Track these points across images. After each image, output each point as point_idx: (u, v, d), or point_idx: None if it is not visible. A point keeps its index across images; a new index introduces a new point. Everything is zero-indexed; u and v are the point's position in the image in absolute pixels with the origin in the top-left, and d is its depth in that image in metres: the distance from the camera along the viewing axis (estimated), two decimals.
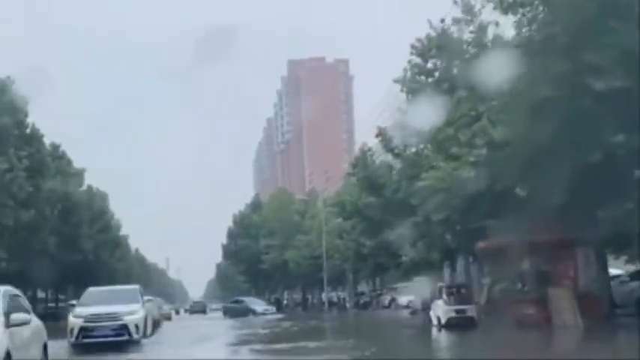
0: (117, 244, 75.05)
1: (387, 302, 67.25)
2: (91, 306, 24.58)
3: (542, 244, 26.13)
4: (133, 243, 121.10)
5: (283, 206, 78.86)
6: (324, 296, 69.26)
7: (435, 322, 30.86)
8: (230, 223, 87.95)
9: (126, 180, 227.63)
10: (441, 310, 29.87)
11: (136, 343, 24.06)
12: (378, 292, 73.17)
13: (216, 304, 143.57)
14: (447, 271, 42.95)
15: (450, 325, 29.30)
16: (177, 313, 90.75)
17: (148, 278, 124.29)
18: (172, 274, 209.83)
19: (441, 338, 27.90)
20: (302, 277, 72.54)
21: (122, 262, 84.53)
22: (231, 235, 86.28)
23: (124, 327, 23.96)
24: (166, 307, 65.64)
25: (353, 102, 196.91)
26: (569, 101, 18.37)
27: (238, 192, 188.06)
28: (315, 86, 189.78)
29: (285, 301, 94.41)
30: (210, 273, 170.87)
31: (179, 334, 34.69)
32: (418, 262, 38.65)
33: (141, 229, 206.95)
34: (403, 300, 66.37)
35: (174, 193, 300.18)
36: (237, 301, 64.08)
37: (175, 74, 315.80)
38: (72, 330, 24.01)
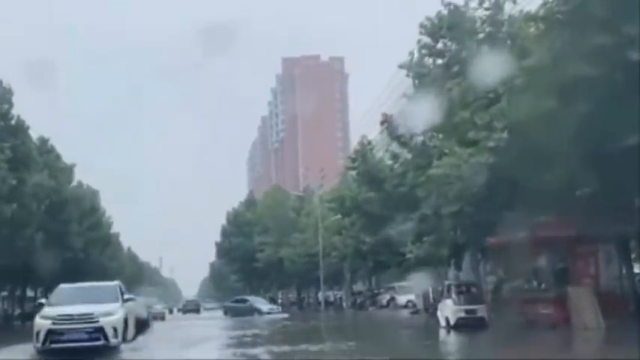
0: (108, 242, 72.79)
1: (385, 302, 65.41)
2: (62, 305, 20.93)
3: (561, 239, 24.15)
4: (126, 241, 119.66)
5: (278, 203, 76.70)
6: (320, 295, 67.20)
7: (442, 322, 28.83)
8: (224, 221, 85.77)
9: (120, 179, 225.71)
10: (449, 310, 27.84)
11: (114, 348, 20.68)
12: (375, 291, 71.27)
13: (211, 303, 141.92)
14: (451, 269, 40.80)
15: (459, 326, 27.29)
16: (171, 312, 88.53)
17: (140, 277, 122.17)
18: (166, 273, 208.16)
19: (451, 340, 25.87)
20: (297, 276, 70.43)
21: (114, 261, 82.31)
22: (225, 233, 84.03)
23: (100, 330, 20.21)
24: (159, 307, 63.32)
25: (348, 100, 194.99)
26: (604, 79, 16.32)
27: (232, 191, 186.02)
28: (310, 84, 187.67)
29: (279, 301, 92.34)
30: (204, 272, 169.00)
31: (168, 336, 32.02)
32: (424, 259, 36.61)
33: (135, 227, 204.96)
34: (402, 299, 64.54)
35: (168, 192, 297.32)
36: (240, 300, 61.53)
37: (172, 73, 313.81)
38: (38, 333, 20.40)
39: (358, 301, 66.84)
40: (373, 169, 42.45)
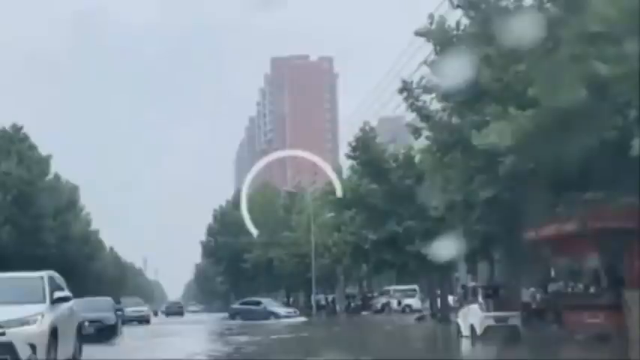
0: (85, 239, 67.70)
1: (379, 306, 61.04)
2: None
3: (619, 233, 19.63)
4: (109, 241, 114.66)
5: (267, 201, 71.91)
6: (312, 298, 62.44)
7: (464, 331, 24.22)
8: (210, 220, 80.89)
9: (106, 180, 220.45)
10: (476, 318, 23.21)
11: None
12: (369, 294, 66.77)
13: (195, 305, 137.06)
14: (462, 269, 36.31)
15: (487, 337, 22.70)
16: (156, 314, 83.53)
17: (123, 278, 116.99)
18: (151, 275, 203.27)
19: (481, 354, 21.35)
20: (287, 278, 65.59)
21: (93, 260, 77.26)
22: (211, 232, 79.05)
23: (8, 347, 12.19)
24: (144, 309, 57.86)
25: (337, 100, 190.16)
26: None
27: (219, 193, 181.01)
28: (299, 84, 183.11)
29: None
30: (190, 274, 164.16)
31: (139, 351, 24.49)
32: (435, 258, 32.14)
33: (119, 229, 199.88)
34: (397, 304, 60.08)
35: (154, 194, 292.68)
36: (252, 302, 55.56)
37: (159, 71, 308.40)
38: None
39: (352, 304, 62.29)
40: (376, 158, 37.83)
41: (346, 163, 59.93)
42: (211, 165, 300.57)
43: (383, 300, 62.66)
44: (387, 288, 68.30)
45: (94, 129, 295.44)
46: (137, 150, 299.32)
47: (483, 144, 16.20)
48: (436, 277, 38.53)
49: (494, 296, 23.36)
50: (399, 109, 43.94)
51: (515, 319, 22.99)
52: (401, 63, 39.44)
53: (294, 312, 54.40)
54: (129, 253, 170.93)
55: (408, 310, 58.29)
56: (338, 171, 55.55)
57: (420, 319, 39.34)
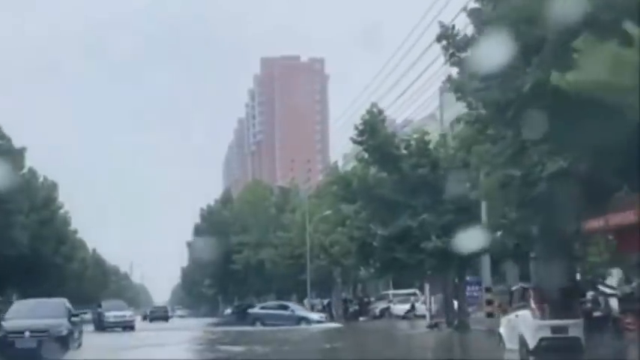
0: (62, 239, 62.44)
1: (377, 312, 56.26)
2: None
3: None
4: (94, 244, 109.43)
5: (258, 199, 66.91)
6: (306, 303, 57.47)
7: (510, 344, 19.42)
8: (197, 219, 75.68)
9: (92, 183, 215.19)
10: (527, 327, 18.39)
11: None
12: (365, 299, 62.05)
13: (182, 310, 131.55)
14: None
15: (542, 351, 17.94)
16: (145, 318, 78.35)
17: (104, 281, 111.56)
18: (137, 279, 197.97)
19: None
20: (279, 280, 60.62)
21: (72, 261, 71.94)
22: (198, 232, 73.87)
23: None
24: (127, 313, 51.73)
25: (328, 102, 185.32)
26: None
27: (208, 197, 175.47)
28: (289, 85, 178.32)
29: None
30: (177, 279, 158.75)
31: None
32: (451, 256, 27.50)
33: (105, 232, 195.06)
34: (398, 309, 55.23)
35: (141, 197, 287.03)
36: (278, 307, 49.35)
37: (145, 70, 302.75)
38: None
39: (351, 309, 57.33)
40: (385, 143, 32.97)
41: (349, 155, 55.37)
42: (199, 168, 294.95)
43: (382, 305, 57.82)
44: (385, 292, 63.62)
45: (78, 130, 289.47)
46: (124, 153, 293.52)
47: (573, 83, 11.30)
48: (446, 279, 33.72)
49: (551, 301, 18.48)
50: (390, 110, 39.88)
51: (576, 328, 18.19)
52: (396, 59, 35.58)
53: (324, 317, 48.90)
54: (115, 258, 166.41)
55: (410, 315, 53.64)
56: (334, 169, 50.97)
57: (434, 326, 34.45)
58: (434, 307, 35.82)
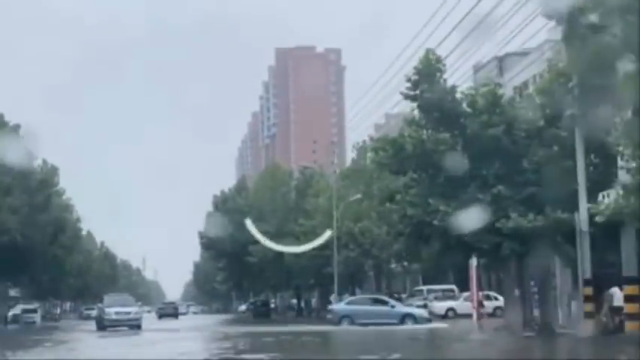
0: (60, 227, 55.46)
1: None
2: None
3: None
4: (105, 238, 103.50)
5: (277, 184, 59.63)
6: (333, 299, 50.26)
7: None
8: (210, 207, 68.43)
9: (104, 180, 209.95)
10: None
11: None
12: (395, 295, 54.91)
13: (195, 306, 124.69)
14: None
15: None
16: (161, 317, 71.58)
17: (114, 275, 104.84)
18: (150, 275, 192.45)
19: None
20: (301, 274, 53.33)
21: (74, 253, 65.11)
22: (210, 220, 66.53)
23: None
24: (134, 309, 43.03)
25: (344, 94, 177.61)
26: None
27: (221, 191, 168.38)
28: (305, 77, 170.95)
29: (272, 305, 75.36)
30: (189, 275, 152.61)
31: None
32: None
33: (119, 228, 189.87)
34: (438, 308, 47.99)
35: (155, 195, 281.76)
36: (374, 301, 40.02)
37: (158, 65, 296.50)
38: None
39: None
40: (445, 99, 25.78)
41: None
42: (212, 164, 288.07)
43: (417, 302, 50.53)
44: (418, 288, 56.38)
45: (91, 124, 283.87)
46: (135, 148, 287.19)
47: None
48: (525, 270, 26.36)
49: None
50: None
51: None
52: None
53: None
54: (128, 253, 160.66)
55: (451, 314, 46.38)
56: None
57: (502, 330, 27.01)
58: (506, 305, 28.30)
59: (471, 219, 23.69)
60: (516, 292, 27.76)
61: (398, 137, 26.30)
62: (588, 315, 22.26)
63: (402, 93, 26.53)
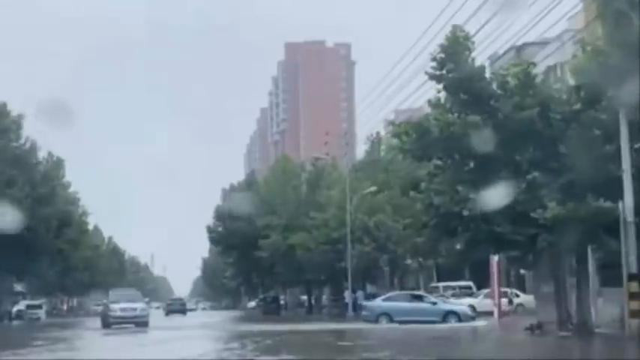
0: (66, 220, 53.57)
1: None
2: None
3: None
4: (115, 235, 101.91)
5: (289, 177, 57.61)
6: (347, 296, 48.26)
7: None
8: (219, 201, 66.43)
9: (112, 178, 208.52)
10: None
11: None
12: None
13: (204, 302, 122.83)
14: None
15: None
16: (168, 314, 69.73)
17: (121, 271, 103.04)
18: (159, 271, 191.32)
19: None
20: (313, 269, 51.28)
21: (80, 248, 63.22)
22: (219, 215, 64.76)
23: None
24: (140, 306, 40.55)
25: (354, 89, 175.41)
26: None
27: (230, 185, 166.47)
28: (314, 71, 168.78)
29: (281, 301, 73.38)
30: (198, 271, 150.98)
31: None
32: None
33: (127, 224, 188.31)
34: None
35: (164, 191, 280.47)
36: (413, 297, 37.67)
37: (167, 62, 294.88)
38: None
39: None
40: (473, 78, 23.71)
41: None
42: (221, 161, 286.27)
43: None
44: (434, 285, 54.27)
45: (101, 121, 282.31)
46: (144, 144, 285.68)
47: None
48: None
49: None
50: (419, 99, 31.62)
51: None
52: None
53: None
54: (137, 250, 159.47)
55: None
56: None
57: (535, 329, 24.92)
58: (538, 303, 26.16)
59: (503, 208, 21.64)
60: (543, 288, 25.73)
61: (422, 120, 24.23)
62: (634, 314, 20.15)
63: (426, 73, 24.45)
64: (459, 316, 34.66)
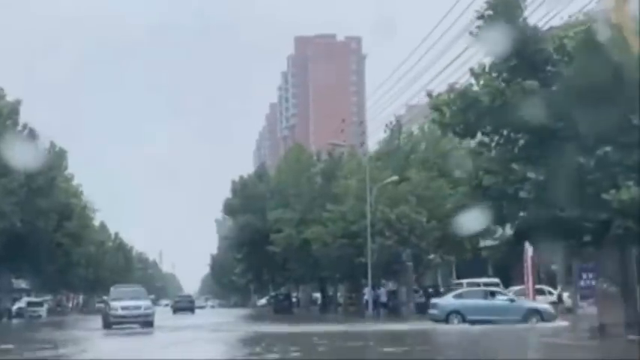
0: (65, 214, 50.17)
1: None
2: None
3: None
4: (114, 227, 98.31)
5: (302, 167, 54.08)
6: (367, 293, 44.76)
7: None
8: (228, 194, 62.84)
9: (121, 174, 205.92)
10: None
11: None
12: (431, 290, 49.44)
13: (212, 300, 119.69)
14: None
15: None
16: (176, 312, 66.57)
17: (128, 268, 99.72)
18: (168, 268, 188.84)
19: None
20: (329, 265, 47.74)
21: (82, 242, 59.80)
22: (229, 209, 61.20)
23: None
24: (144, 303, 36.86)
25: (365, 83, 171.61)
26: None
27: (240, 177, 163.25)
28: (324, 65, 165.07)
29: (294, 299, 70.03)
30: (206, 268, 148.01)
31: None
32: None
33: (136, 220, 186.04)
34: None
35: (173, 188, 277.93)
36: (487, 294, 33.34)
37: (167, 62, 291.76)
38: None
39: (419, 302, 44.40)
40: (526, 40, 20.10)
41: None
42: (230, 158, 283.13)
43: None
44: (457, 281, 50.73)
45: (107, 116, 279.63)
46: (151, 141, 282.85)
47: None
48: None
49: None
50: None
51: None
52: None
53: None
54: (145, 246, 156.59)
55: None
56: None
57: (599, 331, 21.24)
58: (601, 302, 22.38)
59: (569, 189, 18.03)
60: (604, 285, 22.00)
61: (467, 90, 20.60)
62: None
63: (471, 33, 20.84)
64: (541, 315, 30.63)
